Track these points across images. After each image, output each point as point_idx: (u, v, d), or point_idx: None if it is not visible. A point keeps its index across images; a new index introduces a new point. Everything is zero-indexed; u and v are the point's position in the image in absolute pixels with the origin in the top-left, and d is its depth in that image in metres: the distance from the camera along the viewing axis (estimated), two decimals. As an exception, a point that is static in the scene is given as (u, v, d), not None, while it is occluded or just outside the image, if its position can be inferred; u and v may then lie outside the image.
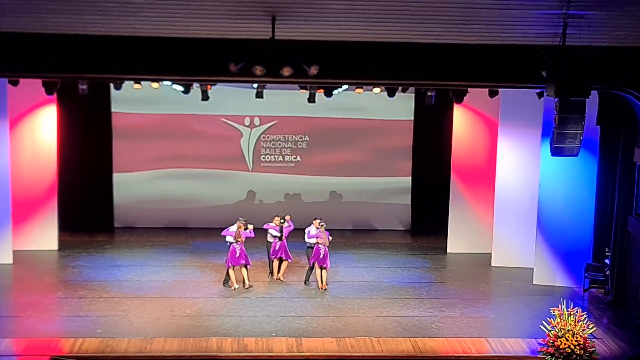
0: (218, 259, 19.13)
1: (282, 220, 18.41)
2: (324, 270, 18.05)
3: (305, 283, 18.26)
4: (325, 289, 17.94)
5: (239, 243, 17.68)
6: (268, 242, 18.56)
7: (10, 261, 19.11)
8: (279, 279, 18.45)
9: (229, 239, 17.75)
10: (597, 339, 15.45)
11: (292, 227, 18.55)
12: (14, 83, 17.17)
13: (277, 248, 18.40)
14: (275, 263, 18.56)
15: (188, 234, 21.72)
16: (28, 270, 18.83)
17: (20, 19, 14.08)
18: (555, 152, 14.70)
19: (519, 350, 15.19)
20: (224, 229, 18.04)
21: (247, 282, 17.89)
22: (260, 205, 21.80)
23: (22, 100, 19.12)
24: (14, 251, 19.24)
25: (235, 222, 17.84)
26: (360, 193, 22.79)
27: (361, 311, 16.91)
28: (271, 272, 18.66)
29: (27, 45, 14.64)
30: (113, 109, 21.67)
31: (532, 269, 18.86)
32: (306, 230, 18.31)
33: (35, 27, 14.34)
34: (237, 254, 17.69)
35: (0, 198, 18.86)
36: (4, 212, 18.97)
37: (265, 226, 18.48)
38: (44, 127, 19.92)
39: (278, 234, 18.35)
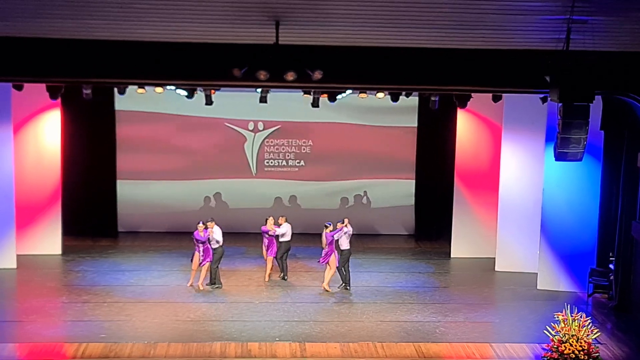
0: (222, 263, 19.00)
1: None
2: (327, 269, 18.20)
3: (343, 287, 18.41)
4: (326, 290, 18.10)
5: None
6: (280, 242, 18.77)
7: (14, 266, 19.12)
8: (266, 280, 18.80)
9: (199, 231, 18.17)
10: (601, 344, 15.43)
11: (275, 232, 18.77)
12: (18, 88, 17.20)
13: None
14: (268, 264, 18.90)
15: (191, 238, 21.65)
16: (32, 275, 18.85)
17: (24, 23, 14.10)
18: (559, 157, 14.68)
19: (523, 356, 15.17)
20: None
21: (201, 280, 18.18)
22: (263, 210, 21.77)
23: (26, 104, 19.16)
24: (18, 255, 19.26)
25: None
26: (364, 197, 22.78)
27: (365, 316, 16.90)
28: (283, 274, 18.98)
29: (31, 49, 14.66)
30: (117, 112, 21.67)
31: (536, 273, 18.84)
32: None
33: (38, 32, 14.35)
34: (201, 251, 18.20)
35: (4, 202, 18.90)
36: (7, 216, 19.00)
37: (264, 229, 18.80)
38: (47, 131, 19.95)
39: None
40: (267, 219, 18.85)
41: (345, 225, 18.20)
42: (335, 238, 18.05)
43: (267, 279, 18.71)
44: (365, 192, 22.74)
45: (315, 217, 22.00)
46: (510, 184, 19.66)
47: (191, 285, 18.14)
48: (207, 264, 18.05)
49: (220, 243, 18.19)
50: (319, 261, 18.29)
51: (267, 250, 18.84)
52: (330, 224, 18.17)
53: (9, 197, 18.97)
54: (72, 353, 14.77)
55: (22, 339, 15.35)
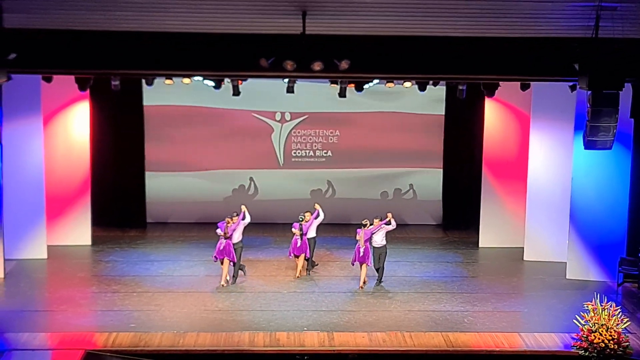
0: (250, 253, 19.18)
1: (300, 218, 18.40)
2: (363, 267, 17.74)
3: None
4: (361, 287, 17.72)
5: (225, 238, 17.54)
6: (309, 238, 18.39)
7: (45, 256, 19.29)
8: (298, 276, 18.27)
9: (219, 232, 17.65)
10: (631, 333, 15.32)
11: (311, 222, 18.35)
12: (48, 80, 17.34)
13: (297, 245, 18.26)
14: (297, 261, 18.41)
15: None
16: (62, 265, 19.01)
17: (53, 16, 14.22)
18: (589, 145, 14.60)
19: (552, 345, 15.11)
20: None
21: (223, 279, 17.69)
22: (291, 201, 21.82)
23: (56, 96, 19.28)
24: (48, 246, 19.42)
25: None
26: (391, 187, 22.73)
27: (393, 306, 16.90)
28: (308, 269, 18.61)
29: (59, 42, 14.78)
30: (145, 103, 21.78)
31: (565, 263, 18.73)
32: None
33: (67, 24, 14.47)
34: (221, 247, 17.56)
35: (34, 194, 19.06)
36: (38, 207, 19.16)
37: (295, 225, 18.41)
38: (76, 123, 20.09)
39: (298, 231, 18.21)
40: (302, 219, 18.39)
41: (389, 220, 17.92)
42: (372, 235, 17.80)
43: (298, 274, 18.41)
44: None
45: (343, 208, 22.03)
46: (538, 173, 19.54)
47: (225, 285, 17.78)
48: (227, 260, 17.69)
49: (241, 238, 17.95)
50: (352, 263, 17.92)
51: (296, 248, 18.35)
52: (367, 221, 17.78)
53: (40, 188, 19.14)
54: (102, 342, 14.89)
55: (53, 329, 15.49)
